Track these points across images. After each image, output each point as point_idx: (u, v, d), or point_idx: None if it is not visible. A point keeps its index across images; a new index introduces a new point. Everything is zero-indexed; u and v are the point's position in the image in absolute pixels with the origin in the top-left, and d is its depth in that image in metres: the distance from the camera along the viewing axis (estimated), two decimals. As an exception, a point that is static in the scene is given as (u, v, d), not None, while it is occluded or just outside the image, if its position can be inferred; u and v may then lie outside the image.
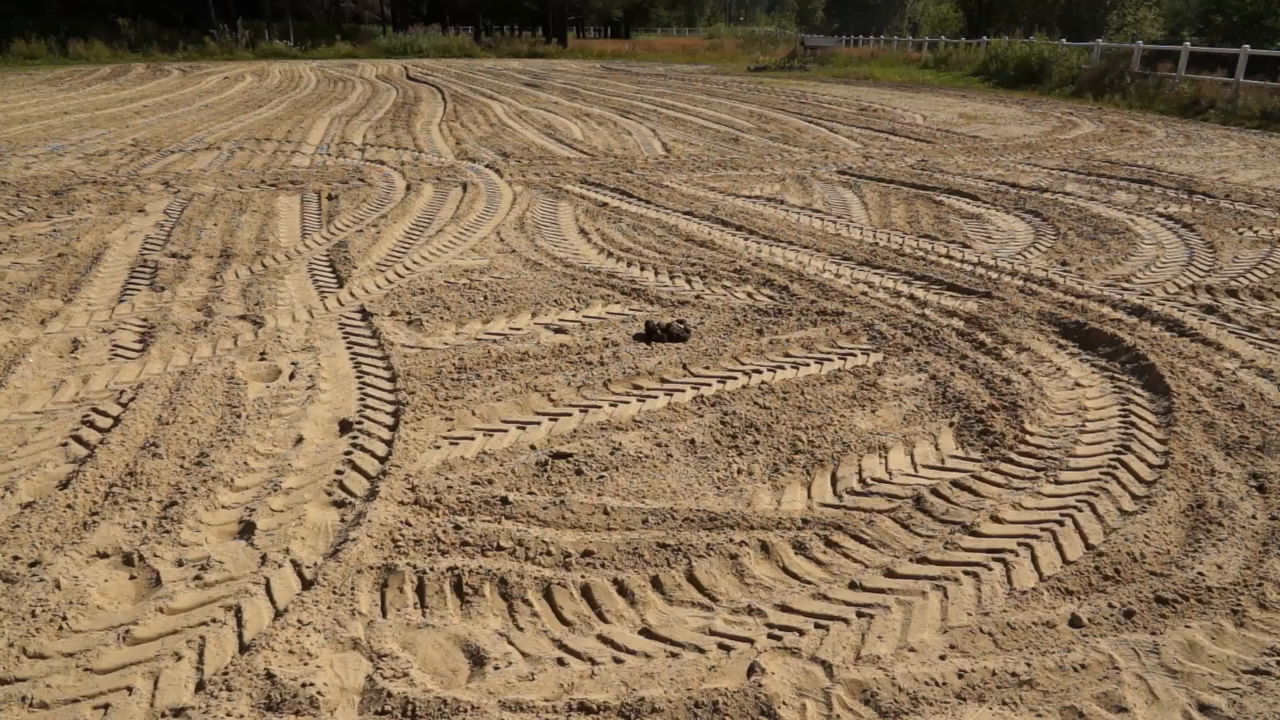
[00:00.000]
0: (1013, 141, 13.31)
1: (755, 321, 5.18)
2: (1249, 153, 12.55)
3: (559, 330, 5.01)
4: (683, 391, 4.16)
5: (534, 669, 2.38)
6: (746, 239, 7.16)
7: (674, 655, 2.45)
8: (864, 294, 5.71)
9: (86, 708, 2.21)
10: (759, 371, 4.42)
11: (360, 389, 4.21)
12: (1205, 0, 29.52)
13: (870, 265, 6.43)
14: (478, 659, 2.41)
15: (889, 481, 3.41)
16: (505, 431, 3.74)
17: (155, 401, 3.99)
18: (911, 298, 5.68)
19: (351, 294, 5.66)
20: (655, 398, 4.09)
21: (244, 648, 2.41)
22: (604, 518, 3.07)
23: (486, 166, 10.46)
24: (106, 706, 2.21)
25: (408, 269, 6.22)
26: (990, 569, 2.83)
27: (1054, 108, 18.67)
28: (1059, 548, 2.95)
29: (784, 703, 2.25)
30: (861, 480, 3.42)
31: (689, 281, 5.97)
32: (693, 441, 3.66)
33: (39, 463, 3.44)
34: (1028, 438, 3.72)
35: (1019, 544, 2.96)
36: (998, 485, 3.37)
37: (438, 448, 3.57)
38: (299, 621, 2.49)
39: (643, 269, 6.26)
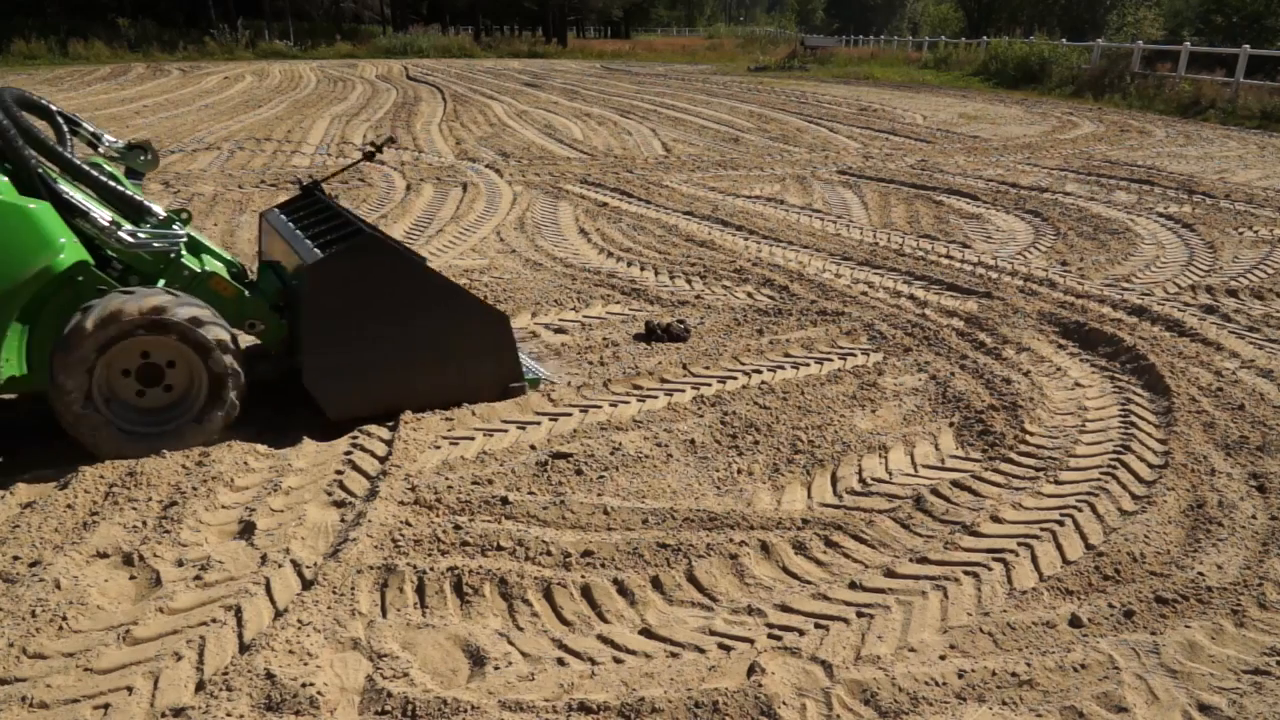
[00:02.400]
0: (1013, 141, 13.32)
1: (755, 321, 5.18)
2: (1249, 153, 12.56)
3: (559, 330, 5.01)
4: (683, 391, 4.16)
5: (534, 669, 2.38)
6: (746, 239, 7.16)
7: (674, 655, 2.45)
8: (864, 294, 5.71)
9: (86, 708, 2.21)
10: (759, 371, 4.42)
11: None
12: (1205, 0, 29.51)
13: (870, 265, 6.43)
14: (478, 659, 2.41)
15: (889, 481, 3.41)
16: (505, 431, 3.73)
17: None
18: (911, 298, 5.68)
19: (351, 294, 5.65)
20: (655, 398, 4.09)
21: (244, 648, 2.41)
22: (604, 518, 3.07)
23: (486, 166, 10.46)
24: (106, 706, 2.21)
25: (408, 269, 6.22)
26: (990, 569, 2.83)
27: (1054, 108, 18.68)
28: (1059, 548, 2.95)
29: (784, 703, 2.24)
30: (861, 480, 3.42)
31: (689, 281, 5.97)
32: (693, 441, 3.66)
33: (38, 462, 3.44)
34: (1028, 438, 3.72)
35: (1019, 544, 2.96)
36: (998, 485, 3.37)
37: (438, 448, 3.57)
38: (299, 621, 2.49)
39: (643, 269, 6.26)
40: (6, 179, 3.24)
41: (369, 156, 4.65)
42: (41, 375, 3.34)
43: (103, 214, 3.48)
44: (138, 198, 3.65)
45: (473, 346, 3.89)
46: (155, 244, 3.53)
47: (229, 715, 2.16)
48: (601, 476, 3.36)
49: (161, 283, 3.56)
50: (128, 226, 3.53)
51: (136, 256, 3.54)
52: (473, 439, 3.66)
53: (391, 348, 3.72)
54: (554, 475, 3.35)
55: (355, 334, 3.66)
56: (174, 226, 3.64)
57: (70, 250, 3.30)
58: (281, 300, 3.89)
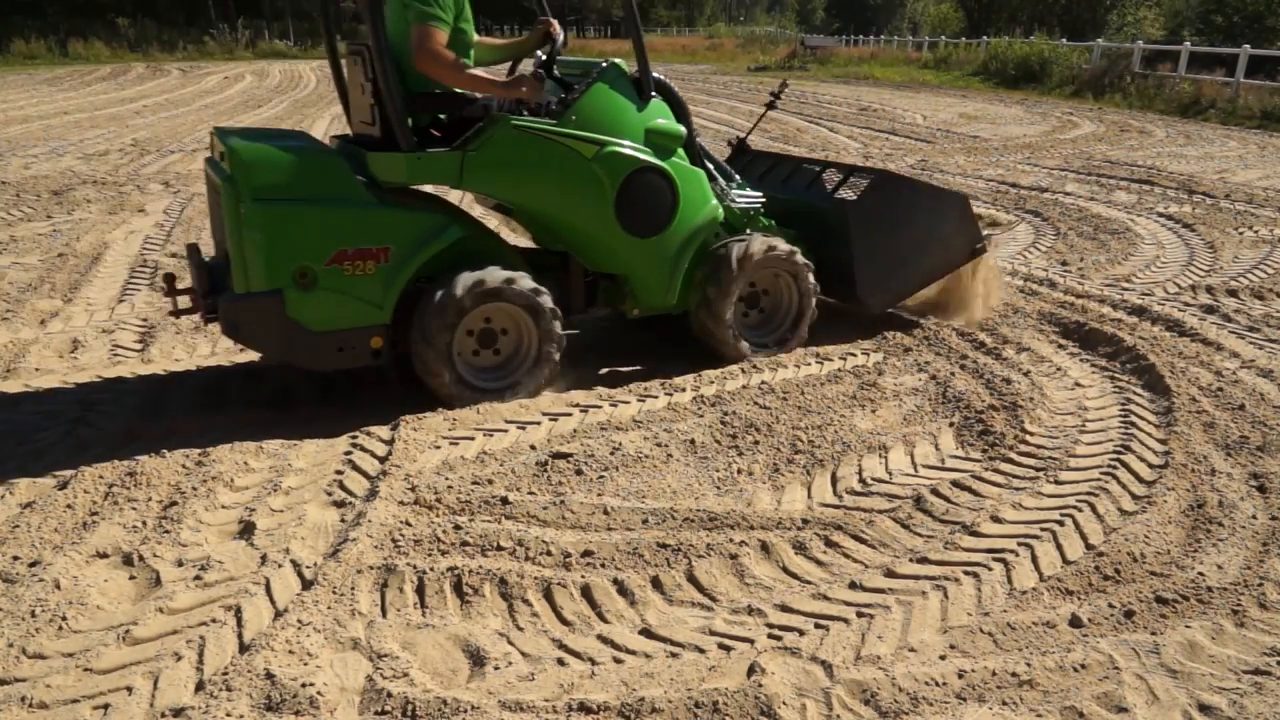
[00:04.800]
0: (1013, 141, 13.32)
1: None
2: (1249, 153, 12.56)
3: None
4: (683, 391, 4.15)
5: (534, 669, 2.38)
6: (746, 239, 7.15)
7: (674, 655, 2.45)
8: (864, 294, 5.69)
9: (86, 708, 2.21)
10: (759, 370, 4.41)
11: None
12: (1205, 0, 29.50)
13: (870, 265, 6.42)
14: (478, 659, 2.41)
15: (889, 481, 3.41)
16: (505, 431, 3.73)
17: (155, 401, 3.99)
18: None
19: (351, 294, 5.65)
20: (655, 397, 4.09)
21: (244, 648, 2.41)
22: (604, 518, 3.07)
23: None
24: (106, 706, 2.21)
25: (408, 269, 6.21)
26: (990, 569, 2.83)
27: (1054, 108, 18.67)
28: (1059, 548, 2.95)
29: (784, 703, 2.24)
30: (861, 480, 3.42)
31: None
32: (693, 441, 3.66)
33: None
34: (1028, 438, 3.72)
35: (1019, 544, 2.96)
36: (998, 485, 3.37)
37: (437, 448, 3.57)
38: (299, 621, 2.49)
39: (643, 269, 6.25)
40: (683, 151, 4.27)
41: (771, 105, 5.42)
42: (682, 301, 4.44)
43: (721, 180, 4.55)
44: (726, 167, 4.72)
45: (949, 227, 4.92)
46: (747, 203, 4.65)
47: (229, 715, 2.16)
48: (601, 476, 3.36)
49: (746, 231, 4.61)
50: (731, 190, 4.62)
51: (732, 211, 4.55)
52: (473, 439, 3.66)
53: (904, 248, 4.81)
54: (554, 475, 3.35)
55: (883, 246, 4.73)
56: (745, 189, 4.73)
57: (719, 206, 4.42)
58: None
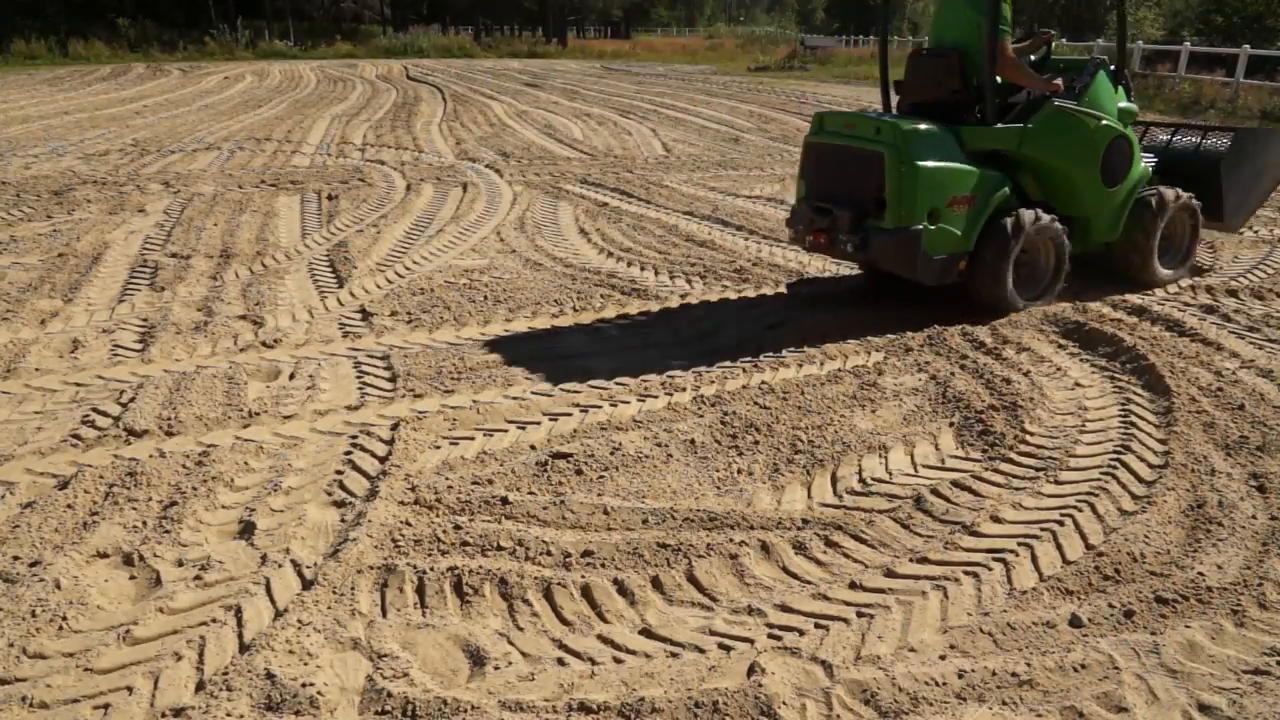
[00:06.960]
0: (1013, 141, 13.29)
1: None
2: (1249, 153, 12.53)
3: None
4: (683, 391, 4.15)
5: (534, 669, 2.38)
6: (746, 239, 7.16)
7: (674, 655, 2.45)
8: (864, 294, 5.69)
9: (86, 708, 2.21)
10: (759, 370, 4.41)
11: (360, 389, 4.21)
12: (1205, 0, 29.46)
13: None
14: (478, 659, 2.41)
15: (889, 481, 3.41)
16: (505, 431, 3.73)
17: (155, 401, 3.99)
18: (911, 298, 5.67)
19: (351, 294, 5.66)
20: (655, 397, 4.09)
21: (244, 648, 2.41)
22: (604, 518, 3.07)
23: (486, 166, 10.46)
24: (106, 706, 2.21)
25: (408, 269, 6.23)
26: (990, 569, 2.83)
27: (1054, 108, 18.65)
28: (1059, 548, 2.95)
29: (784, 703, 2.24)
30: (861, 480, 3.41)
31: (689, 281, 5.97)
32: (693, 441, 3.66)
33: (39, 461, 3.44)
34: (1028, 438, 3.72)
35: (1019, 544, 2.96)
36: (998, 485, 3.37)
37: (438, 448, 3.57)
38: (299, 621, 2.49)
39: (643, 269, 6.26)
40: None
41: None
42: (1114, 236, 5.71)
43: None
44: None
45: (1277, 155, 6.32)
46: (1147, 162, 5.85)
47: (229, 715, 2.17)
48: (601, 476, 3.36)
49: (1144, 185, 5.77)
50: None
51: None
52: (473, 439, 3.66)
53: (1253, 179, 6.20)
54: (554, 475, 3.35)
55: (1241, 182, 6.12)
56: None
57: (1147, 166, 5.80)
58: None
